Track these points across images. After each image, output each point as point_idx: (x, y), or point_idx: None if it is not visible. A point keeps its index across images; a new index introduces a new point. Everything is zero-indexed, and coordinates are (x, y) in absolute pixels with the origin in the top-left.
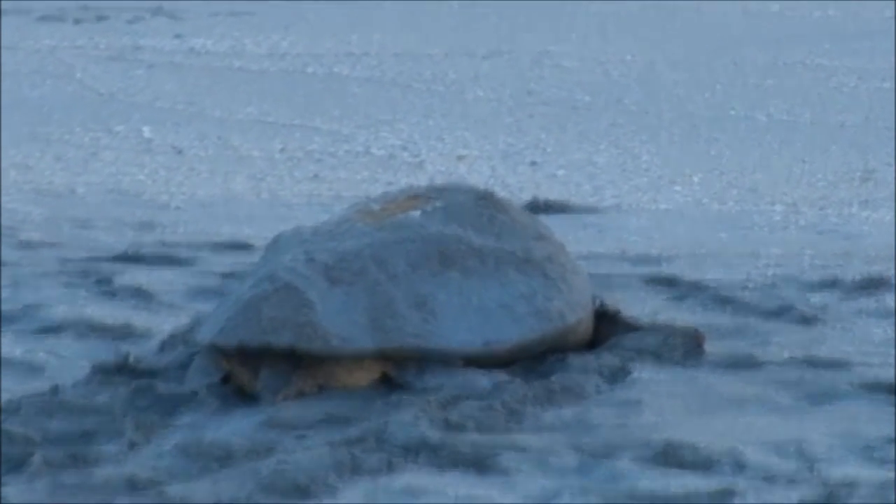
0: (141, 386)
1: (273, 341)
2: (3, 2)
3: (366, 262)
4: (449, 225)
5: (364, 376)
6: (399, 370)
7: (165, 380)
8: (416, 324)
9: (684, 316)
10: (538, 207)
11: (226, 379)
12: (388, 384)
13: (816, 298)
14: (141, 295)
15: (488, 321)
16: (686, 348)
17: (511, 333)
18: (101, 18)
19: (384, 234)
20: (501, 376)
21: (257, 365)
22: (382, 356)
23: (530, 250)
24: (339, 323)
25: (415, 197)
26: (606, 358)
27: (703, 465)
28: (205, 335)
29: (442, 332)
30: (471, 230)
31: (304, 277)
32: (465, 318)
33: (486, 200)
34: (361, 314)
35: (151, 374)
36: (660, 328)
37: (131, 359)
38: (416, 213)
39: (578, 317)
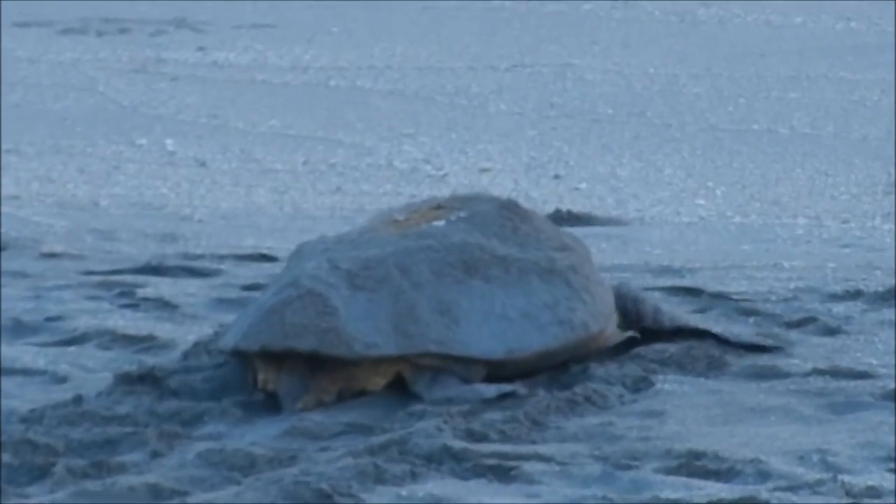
0: (164, 396)
1: (296, 346)
2: (25, 14)
3: (389, 269)
4: (472, 234)
5: (381, 381)
6: (414, 378)
7: (188, 390)
8: (439, 330)
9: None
10: (562, 219)
11: (251, 386)
12: (411, 393)
13: (839, 309)
14: (164, 306)
15: (511, 329)
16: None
17: (533, 342)
18: (123, 31)
19: (408, 243)
20: (513, 387)
21: (281, 369)
22: (405, 362)
23: (554, 260)
24: (363, 328)
25: (438, 207)
26: (629, 368)
27: (727, 474)
28: (228, 341)
29: (465, 339)
30: (494, 239)
31: (328, 284)
32: (488, 325)
33: (509, 210)
34: (385, 320)
35: (174, 384)
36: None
37: (155, 369)
38: (440, 223)
39: (601, 326)
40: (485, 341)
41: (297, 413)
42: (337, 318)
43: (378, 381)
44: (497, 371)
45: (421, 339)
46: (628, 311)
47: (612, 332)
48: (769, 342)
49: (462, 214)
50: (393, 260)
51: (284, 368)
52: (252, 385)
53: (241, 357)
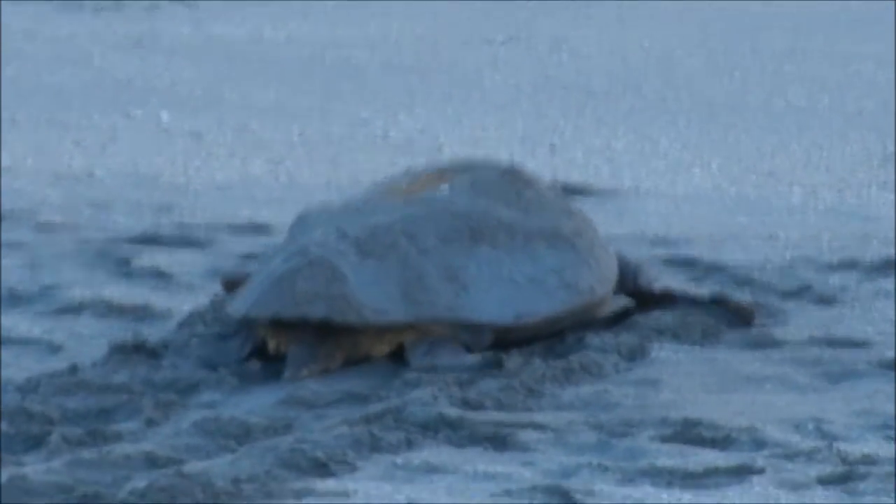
0: (159, 365)
1: (308, 313)
2: None
3: (397, 236)
4: (477, 200)
5: (385, 348)
6: (412, 345)
7: (184, 359)
8: (448, 296)
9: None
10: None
11: (257, 352)
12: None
13: (835, 279)
14: (159, 276)
15: (519, 294)
16: (733, 322)
17: (542, 306)
18: (119, 5)
19: (413, 209)
20: (499, 355)
21: (289, 337)
22: (412, 329)
23: (559, 225)
24: (372, 295)
25: (441, 173)
26: (625, 337)
27: (722, 442)
28: (238, 308)
29: (473, 305)
30: (499, 205)
31: (337, 251)
32: (496, 291)
33: (512, 175)
34: (394, 287)
35: (170, 353)
36: (716, 299)
37: (150, 339)
38: (445, 189)
39: (606, 290)
40: (493, 307)
41: (294, 381)
42: (346, 286)
43: (383, 349)
44: (505, 336)
45: (430, 305)
46: (627, 273)
47: (612, 297)
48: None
49: (465, 180)
50: (400, 227)
51: (293, 337)
52: (255, 353)
53: (251, 325)
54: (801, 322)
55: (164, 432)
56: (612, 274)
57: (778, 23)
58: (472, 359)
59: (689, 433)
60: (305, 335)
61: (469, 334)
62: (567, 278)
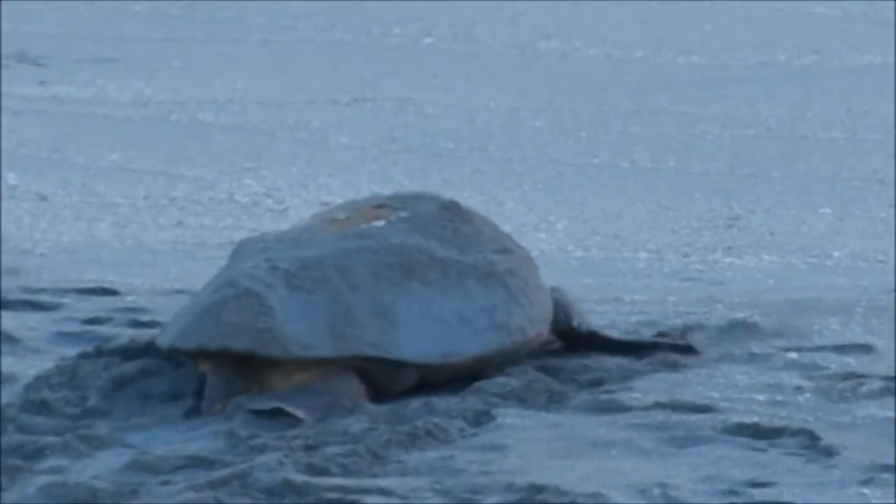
0: (4, 429)
1: (231, 345)
2: None
3: (328, 270)
4: (412, 235)
5: (302, 379)
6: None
7: (29, 423)
8: (375, 333)
9: (547, 359)
10: None
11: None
12: (253, 427)
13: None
14: (5, 340)
15: (447, 333)
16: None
17: (470, 346)
18: None
19: (347, 244)
20: (284, 405)
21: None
22: (340, 363)
23: (493, 263)
24: (299, 329)
25: (380, 206)
26: (470, 401)
27: None
28: (164, 339)
29: (400, 343)
30: (434, 241)
31: (265, 284)
32: (425, 329)
33: (450, 211)
34: (321, 321)
35: (15, 417)
36: (649, 343)
37: None
38: (381, 223)
39: (538, 331)
40: (420, 345)
41: (209, 415)
42: (273, 319)
43: (298, 381)
44: (432, 375)
45: (356, 341)
46: (557, 312)
47: (546, 336)
48: (680, 342)
49: (403, 215)
50: (332, 261)
51: (211, 370)
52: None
53: (178, 355)
54: (647, 386)
55: (10, 498)
56: (545, 314)
57: (624, 84)
58: (260, 404)
59: (534, 499)
60: (222, 370)
61: (394, 371)
62: (497, 318)
